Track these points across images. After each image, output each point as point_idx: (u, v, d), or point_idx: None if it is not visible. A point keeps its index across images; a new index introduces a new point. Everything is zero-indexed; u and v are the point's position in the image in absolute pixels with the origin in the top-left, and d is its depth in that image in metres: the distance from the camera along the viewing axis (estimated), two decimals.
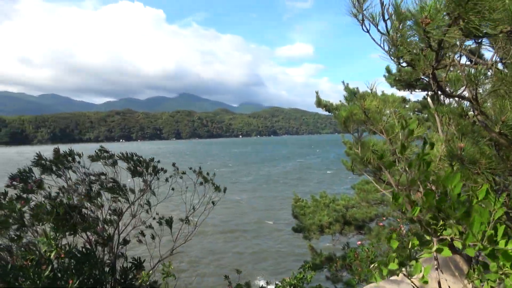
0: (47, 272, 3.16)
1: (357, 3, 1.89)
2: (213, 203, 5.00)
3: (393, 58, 1.77)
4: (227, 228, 22.38)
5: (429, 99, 2.21)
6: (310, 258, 9.52)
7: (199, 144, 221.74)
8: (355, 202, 8.66)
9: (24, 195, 4.10)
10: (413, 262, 1.75)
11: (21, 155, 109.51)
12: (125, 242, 4.75)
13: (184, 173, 5.16)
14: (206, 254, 18.01)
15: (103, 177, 4.63)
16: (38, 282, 3.14)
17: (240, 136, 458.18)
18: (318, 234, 8.67)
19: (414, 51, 1.63)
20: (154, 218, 5.00)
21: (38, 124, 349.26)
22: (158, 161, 4.93)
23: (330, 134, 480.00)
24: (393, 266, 1.66)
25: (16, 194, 4.14)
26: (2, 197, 4.08)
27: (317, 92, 8.27)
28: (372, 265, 1.77)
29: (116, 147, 5.12)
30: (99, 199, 4.59)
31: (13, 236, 3.89)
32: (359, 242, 6.12)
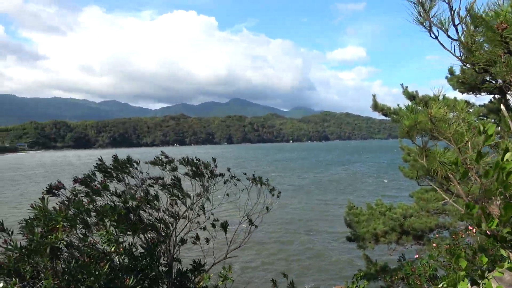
0: (106, 268, 3.33)
1: (423, 10, 1.85)
2: (267, 208, 5.03)
3: (466, 63, 1.70)
4: (277, 234, 22.35)
5: (502, 106, 2.08)
6: (364, 267, 9.24)
7: (248, 149, 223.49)
8: (414, 211, 8.29)
9: (89, 196, 4.40)
10: (485, 281, 1.66)
11: (80, 159, 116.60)
12: (182, 241, 4.89)
13: (238, 179, 5.24)
14: (255, 258, 18.11)
15: (160, 181, 4.82)
16: (98, 278, 3.30)
17: (291, 141, 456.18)
18: (373, 243, 8.40)
19: (491, 57, 1.56)
20: (213, 221, 5.11)
21: (99, 129, 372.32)
22: (216, 165, 5.06)
23: (384, 139, 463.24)
24: (464, 285, 1.59)
25: (83, 196, 4.45)
26: (72, 197, 4.40)
27: (374, 96, 8.03)
28: (441, 285, 1.70)
29: (171, 151, 5.32)
30: (156, 202, 4.78)
31: (79, 234, 4.17)
32: (417, 256, 5.85)
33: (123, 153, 4.90)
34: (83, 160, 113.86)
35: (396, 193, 35.85)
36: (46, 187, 4.29)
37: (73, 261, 3.44)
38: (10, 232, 4.21)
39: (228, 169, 5.28)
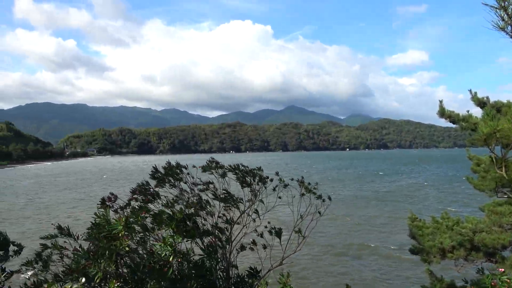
0: (169, 274, 3.45)
1: (505, 15, 1.71)
2: (319, 212, 4.92)
3: None
4: (332, 242, 21.81)
5: None
6: (428, 284, 8.70)
7: (302, 157, 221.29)
8: (485, 225, 7.64)
9: (144, 205, 4.60)
10: None
11: (136, 165, 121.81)
12: (242, 247, 4.93)
13: (287, 184, 5.20)
14: (311, 267, 17.79)
15: (211, 185, 4.89)
16: (161, 282, 3.43)
17: (347, 149, 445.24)
18: (438, 258, 7.87)
19: None
20: (266, 227, 5.11)
21: (160, 135, 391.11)
22: (262, 170, 5.06)
23: (449, 148, 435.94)
24: None
25: (138, 204, 4.66)
26: (128, 207, 4.63)
27: (440, 102, 7.57)
28: None
29: (227, 158, 5.39)
30: (209, 207, 4.86)
31: (138, 240, 4.36)
32: (502, 270, 5.36)
33: (181, 159, 5.07)
34: (141, 165, 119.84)
35: (460, 206, 33.47)
36: (100, 201, 4.56)
37: (140, 266, 3.60)
38: (76, 237, 4.52)
39: (277, 173, 5.26)
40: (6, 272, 4.11)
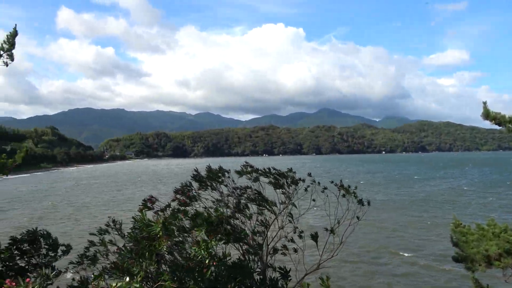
0: (207, 275, 3.50)
1: None
2: (357, 217, 4.82)
3: None
4: (367, 249, 21.27)
5: None
6: None
7: (335, 160, 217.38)
8: None
9: (182, 208, 4.68)
10: None
11: (169, 168, 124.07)
12: (275, 250, 4.92)
13: (325, 188, 5.12)
14: (348, 274, 17.42)
15: (249, 190, 4.92)
16: (201, 283, 3.49)
17: (383, 152, 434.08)
18: (484, 266, 7.49)
19: None
20: (301, 231, 5.05)
21: (195, 139, 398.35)
22: (295, 172, 5.01)
23: (492, 151, 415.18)
24: None
25: (178, 204, 4.75)
26: (167, 209, 4.72)
27: (484, 103, 7.21)
28: None
29: (260, 161, 5.37)
30: (247, 210, 4.88)
31: (176, 241, 4.45)
32: None
33: (215, 162, 5.14)
34: (174, 168, 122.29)
35: (506, 213, 31.73)
36: (142, 202, 4.70)
37: (179, 266, 3.68)
38: (123, 235, 4.67)
39: (309, 174, 5.20)
40: (55, 271, 4.32)
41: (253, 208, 4.76)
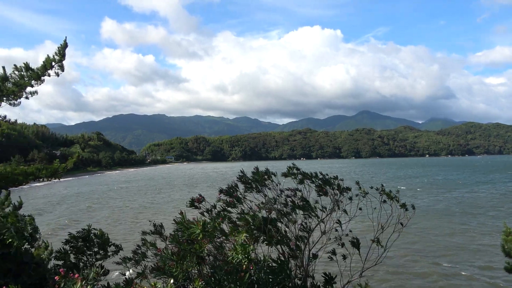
0: (245, 279, 3.56)
1: None
2: (401, 224, 4.72)
3: None
4: (409, 259, 20.53)
5: None
6: None
7: (372, 164, 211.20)
8: None
9: (227, 209, 4.78)
10: None
11: (205, 172, 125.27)
12: (314, 256, 4.91)
13: (366, 193, 5.06)
14: (390, 284, 16.90)
15: (299, 193, 4.93)
16: (239, 287, 3.56)
17: (427, 156, 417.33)
18: None
19: None
20: (346, 235, 5.01)
21: (232, 143, 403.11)
22: (342, 179, 4.98)
23: None
24: None
25: (222, 206, 4.87)
26: (211, 211, 4.85)
27: None
28: None
29: (300, 165, 5.38)
30: (293, 214, 4.90)
31: (217, 244, 4.55)
32: None
33: (253, 166, 5.17)
34: (210, 172, 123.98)
35: None
36: (189, 200, 4.85)
37: (219, 268, 3.79)
38: (165, 237, 4.86)
39: (357, 183, 5.14)
40: (103, 269, 4.58)
41: (297, 212, 4.78)
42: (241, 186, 5.00)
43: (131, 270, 4.86)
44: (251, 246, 3.87)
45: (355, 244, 4.69)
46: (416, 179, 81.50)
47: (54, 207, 41.43)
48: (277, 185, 5.06)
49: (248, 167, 5.37)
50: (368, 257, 4.76)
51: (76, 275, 3.06)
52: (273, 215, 4.82)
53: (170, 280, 3.67)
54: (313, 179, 4.67)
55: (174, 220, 4.02)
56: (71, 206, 42.44)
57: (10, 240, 3.73)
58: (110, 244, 5.22)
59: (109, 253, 5.20)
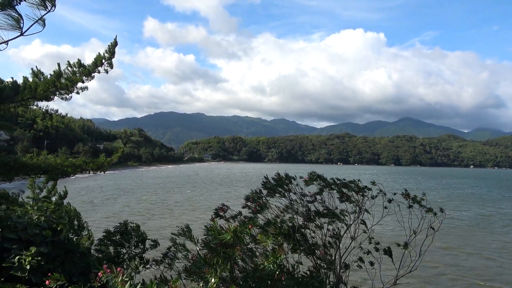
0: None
1: None
2: (432, 228, 4.57)
3: None
4: (444, 271, 19.64)
5: None
6: None
7: (410, 173, 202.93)
8: None
9: (252, 216, 4.83)
10: None
11: (242, 171, 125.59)
12: (346, 266, 4.86)
13: (390, 200, 4.94)
14: None
15: (318, 197, 4.90)
16: None
17: (471, 167, 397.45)
18: None
19: None
20: (377, 243, 4.93)
21: (269, 145, 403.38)
22: (368, 187, 4.89)
23: None
24: None
25: (249, 212, 4.93)
26: (238, 216, 4.92)
27: None
28: None
29: (334, 170, 5.30)
30: (318, 220, 4.87)
31: (246, 250, 4.61)
32: None
33: (288, 168, 5.20)
34: (237, 172, 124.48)
35: None
36: (214, 211, 4.95)
37: (251, 274, 3.86)
38: (196, 241, 4.99)
39: (373, 182, 5.03)
40: (142, 264, 4.79)
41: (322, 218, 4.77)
42: (265, 192, 5.04)
43: (164, 269, 5.02)
44: (282, 256, 3.89)
45: (387, 251, 4.60)
46: (460, 190, 77.69)
47: (95, 199, 43.36)
48: (301, 189, 5.04)
49: (284, 169, 5.40)
50: (401, 264, 4.63)
51: (118, 269, 3.20)
52: (300, 221, 4.82)
53: (201, 283, 3.77)
54: (333, 186, 4.63)
55: (205, 226, 4.13)
56: (111, 198, 44.24)
57: (60, 227, 3.99)
58: (147, 238, 5.44)
59: (146, 247, 5.41)
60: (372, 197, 4.77)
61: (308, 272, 4.28)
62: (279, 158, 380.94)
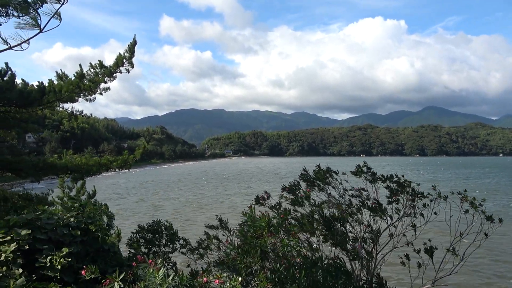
0: (302, 276, 3.51)
1: None
2: (485, 234, 4.33)
3: None
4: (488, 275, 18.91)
5: None
6: None
7: (434, 163, 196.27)
8: None
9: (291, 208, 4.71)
10: None
11: (259, 167, 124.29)
12: (382, 263, 4.71)
13: (446, 197, 4.71)
14: None
15: (365, 192, 4.74)
16: (298, 284, 3.52)
17: (501, 155, 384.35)
18: None
19: None
20: (413, 249, 4.73)
21: (290, 138, 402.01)
22: (418, 184, 4.69)
23: None
24: None
25: (288, 204, 4.81)
26: (276, 208, 4.81)
27: None
28: None
29: (357, 162, 5.13)
30: (359, 215, 4.72)
31: (277, 242, 4.51)
32: None
33: (310, 161, 5.05)
34: (254, 167, 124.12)
35: None
36: (255, 198, 4.86)
37: (279, 264, 3.77)
38: (231, 232, 4.93)
39: (433, 186, 4.80)
40: (171, 261, 4.78)
41: (364, 212, 4.60)
42: (303, 185, 4.92)
43: (195, 262, 5.00)
44: (296, 240, 3.84)
45: (428, 251, 4.39)
46: (482, 180, 74.60)
47: (120, 196, 44.26)
48: (340, 184, 4.91)
49: (306, 163, 5.25)
50: (441, 266, 4.44)
51: (150, 261, 3.21)
52: (337, 213, 4.69)
53: (233, 274, 3.70)
54: (387, 181, 4.42)
55: (242, 212, 4.06)
56: (136, 196, 45.04)
57: (90, 226, 4.00)
58: (179, 238, 5.42)
59: (177, 246, 5.40)
60: (424, 205, 4.54)
61: (335, 264, 4.15)
62: (300, 152, 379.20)
